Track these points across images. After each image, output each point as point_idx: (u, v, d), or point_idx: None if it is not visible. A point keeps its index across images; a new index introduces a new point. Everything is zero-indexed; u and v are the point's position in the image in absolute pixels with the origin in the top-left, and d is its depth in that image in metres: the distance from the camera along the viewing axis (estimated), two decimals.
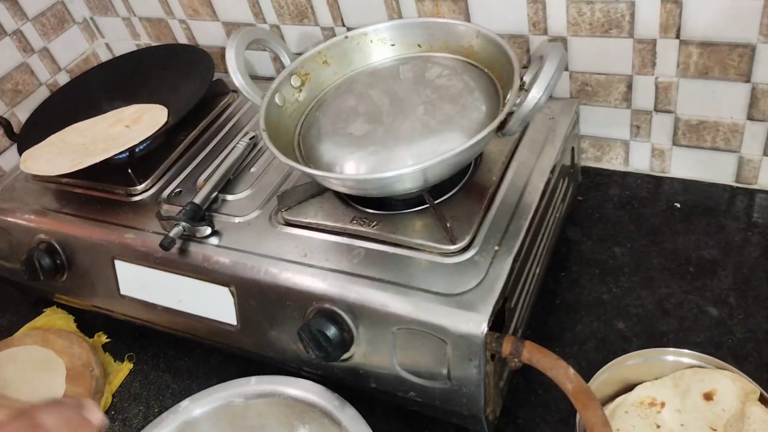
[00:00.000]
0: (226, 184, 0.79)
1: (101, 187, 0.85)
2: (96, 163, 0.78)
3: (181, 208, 0.74)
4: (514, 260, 0.63)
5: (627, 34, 0.75)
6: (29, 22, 1.05)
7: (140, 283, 0.77)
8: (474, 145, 0.60)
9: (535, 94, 0.61)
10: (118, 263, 0.78)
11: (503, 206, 0.68)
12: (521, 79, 0.64)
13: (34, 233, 0.83)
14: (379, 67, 0.78)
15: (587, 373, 0.60)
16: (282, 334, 0.69)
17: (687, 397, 0.61)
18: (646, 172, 0.88)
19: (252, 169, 0.81)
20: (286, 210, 0.72)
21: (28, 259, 0.81)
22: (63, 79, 1.10)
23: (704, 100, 0.77)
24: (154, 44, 1.11)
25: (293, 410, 0.68)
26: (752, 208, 0.80)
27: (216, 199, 0.77)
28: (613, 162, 0.90)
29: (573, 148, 0.81)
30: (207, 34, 1.04)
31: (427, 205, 0.67)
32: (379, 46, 0.78)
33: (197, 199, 0.75)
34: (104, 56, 1.17)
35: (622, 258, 0.79)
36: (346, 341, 0.63)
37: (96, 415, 0.60)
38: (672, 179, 0.86)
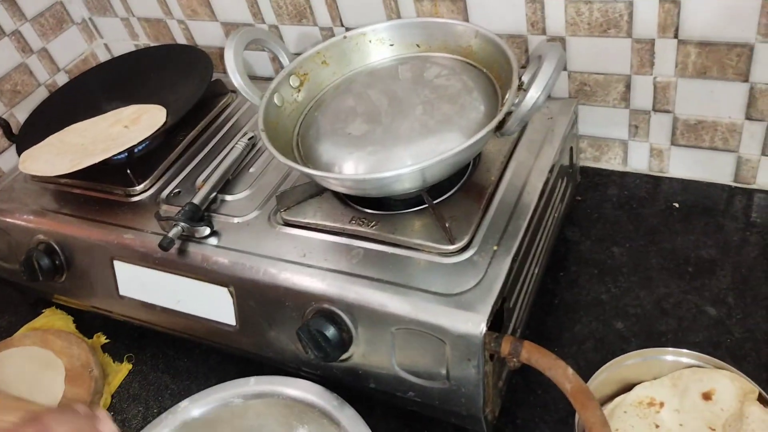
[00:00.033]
0: (225, 185, 0.79)
1: (100, 188, 0.85)
2: (95, 164, 0.78)
3: (180, 208, 0.74)
4: (513, 260, 0.63)
5: (625, 33, 0.75)
6: (28, 22, 1.04)
7: (139, 284, 0.77)
8: (472, 145, 0.60)
9: (534, 94, 0.61)
10: (117, 264, 0.78)
11: (502, 206, 0.68)
12: (520, 78, 0.65)
13: (33, 234, 0.83)
14: (377, 67, 0.78)
15: (586, 373, 0.60)
16: (281, 334, 0.69)
17: (686, 397, 0.61)
18: (645, 172, 0.88)
19: (251, 170, 0.81)
20: (284, 210, 0.72)
21: (27, 259, 0.81)
22: (62, 79, 1.10)
23: (702, 99, 0.77)
24: (152, 44, 1.11)
25: (292, 410, 0.68)
26: (750, 208, 0.81)
27: (215, 199, 0.77)
28: (611, 162, 0.90)
29: (571, 148, 0.81)
30: (206, 35, 1.04)
31: (426, 205, 0.67)
32: (378, 46, 0.78)
33: (196, 200, 0.75)
34: (103, 57, 1.17)
35: (620, 258, 0.79)
36: (345, 341, 0.63)
37: (109, 428, 0.59)
38: (670, 179, 0.86)
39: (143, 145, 0.84)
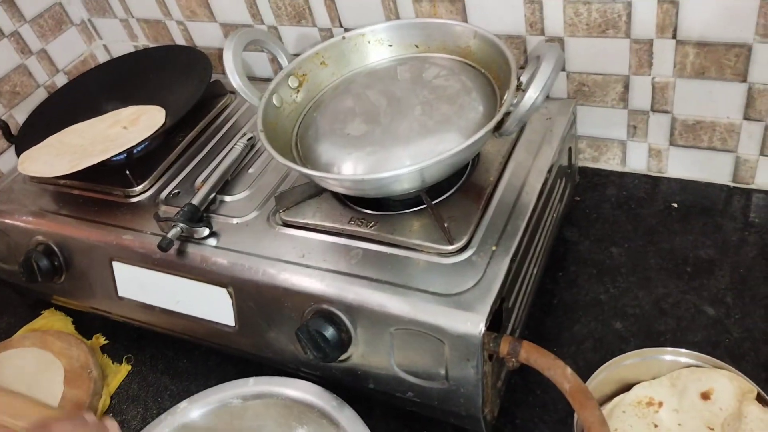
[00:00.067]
0: (224, 185, 0.79)
1: (99, 189, 0.84)
2: (94, 165, 0.78)
3: (179, 209, 0.74)
4: (512, 260, 0.63)
5: (624, 34, 0.76)
6: (27, 23, 1.05)
7: (138, 285, 0.77)
8: (471, 145, 0.60)
9: (532, 94, 0.61)
10: (116, 265, 0.78)
11: (500, 206, 0.68)
12: (518, 79, 0.65)
13: (32, 235, 0.83)
14: (376, 67, 0.78)
15: (585, 373, 0.60)
16: (280, 334, 0.69)
17: (684, 397, 0.61)
18: (643, 172, 0.88)
19: (250, 170, 0.81)
20: (283, 211, 0.73)
21: (26, 260, 0.81)
22: (61, 80, 1.10)
23: (701, 100, 0.77)
24: (151, 45, 1.11)
25: (291, 411, 0.68)
26: (749, 208, 0.81)
27: (214, 200, 0.77)
28: (610, 162, 0.90)
29: (570, 149, 0.81)
30: (204, 36, 1.04)
31: (425, 206, 0.67)
32: (377, 46, 0.78)
33: (195, 201, 0.75)
34: (102, 58, 1.17)
35: (619, 258, 0.79)
36: (344, 342, 0.63)
37: None
38: (669, 179, 0.86)
39: (142, 146, 0.84)
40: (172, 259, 0.73)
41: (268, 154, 0.70)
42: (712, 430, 0.59)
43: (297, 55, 0.78)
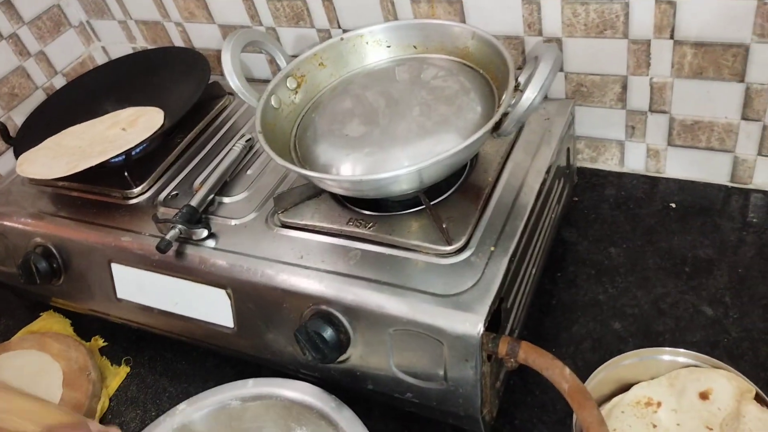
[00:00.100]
0: (223, 187, 0.79)
1: (97, 191, 0.84)
2: (92, 166, 0.78)
3: (177, 210, 0.74)
4: (510, 261, 0.63)
5: (621, 34, 0.76)
6: (25, 25, 1.05)
7: (137, 287, 0.77)
8: (469, 145, 0.60)
9: (530, 95, 0.61)
10: (114, 266, 0.78)
11: (499, 207, 0.68)
12: (516, 80, 0.65)
13: (31, 237, 0.83)
14: (374, 68, 0.78)
15: (583, 374, 0.60)
16: (279, 336, 0.69)
17: (683, 397, 0.61)
18: (642, 173, 0.88)
19: (248, 172, 0.81)
20: (282, 212, 0.73)
21: (24, 262, 0.81)
22: (59, 82, 1.10)
23: (699, 100, 0.78)
24: (150, 47, 1.11)
25: (290, 412, 0.68)
26: (747, 208, 0.81)
27: (212, 201, 0.77)
28: (608, 162, 0.90)
29: (568, 149, 0.81)
30: (203, 37, 1.04)
31: (423, 207, 0.67)
32: (375, 47, 0.78)
33: (194, 202, 0.75)
34: (100, 59, 1.17)
35: (617, 258, 0.79)
36: (342, 343, 0.63)
37: None
38: (667, 179, 0.86)
39: (140, 147, 0.84)
40: (171, 261, 0.73)
41: (267, 156, 0.70)
42: (711, 430, 0.59)
43: (295, 56, 0.78)
